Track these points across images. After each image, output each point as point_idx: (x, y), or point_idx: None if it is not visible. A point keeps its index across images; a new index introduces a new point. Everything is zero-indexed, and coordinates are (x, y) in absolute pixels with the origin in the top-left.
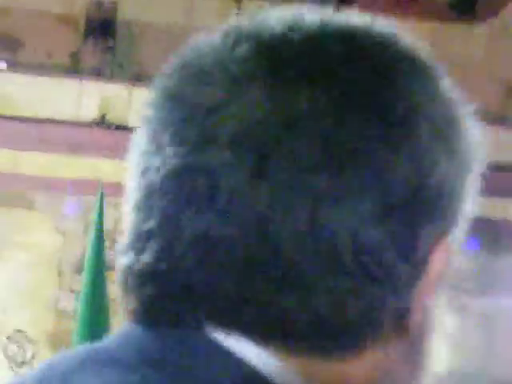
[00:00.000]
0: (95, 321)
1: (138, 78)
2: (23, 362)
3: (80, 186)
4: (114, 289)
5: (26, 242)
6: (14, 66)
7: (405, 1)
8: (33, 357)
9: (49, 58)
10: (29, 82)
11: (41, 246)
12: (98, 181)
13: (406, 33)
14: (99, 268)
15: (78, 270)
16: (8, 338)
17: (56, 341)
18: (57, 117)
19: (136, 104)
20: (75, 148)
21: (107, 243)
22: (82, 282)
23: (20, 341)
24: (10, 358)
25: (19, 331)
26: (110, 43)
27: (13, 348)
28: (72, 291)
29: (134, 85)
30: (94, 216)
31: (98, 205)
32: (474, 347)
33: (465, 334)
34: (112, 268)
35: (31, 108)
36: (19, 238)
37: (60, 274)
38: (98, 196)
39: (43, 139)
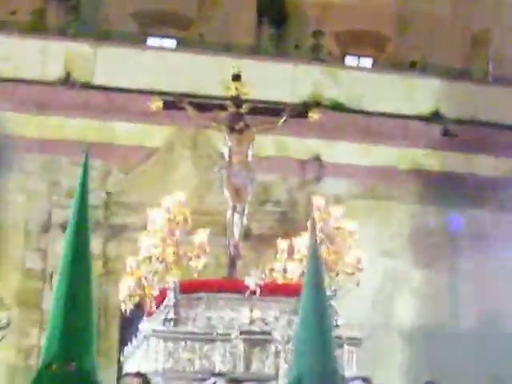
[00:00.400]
0: (77, 282)
1: (104, 36)
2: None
3: (45, 145)
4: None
5: None
6: None
7: None
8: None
9: (12, 16)
10: None
11: (8, 206)
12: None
13: None
14: (84, 230)
15: (45, 229)
16: None
17: (24, 300)
18: (22, 76)
19: (101, 62)
20: (40, 107)
21: (70, 202)
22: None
23: None
24: None
25: None
26: (74, 1)
27: None
28: (39, 250)
29: (98, 43)
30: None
31: (83, 167)
32: (441, 300)
33: (432, 287)
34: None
35: None
36: None
37: (26, 233)
38: (83, 158)
39: (7, 98)
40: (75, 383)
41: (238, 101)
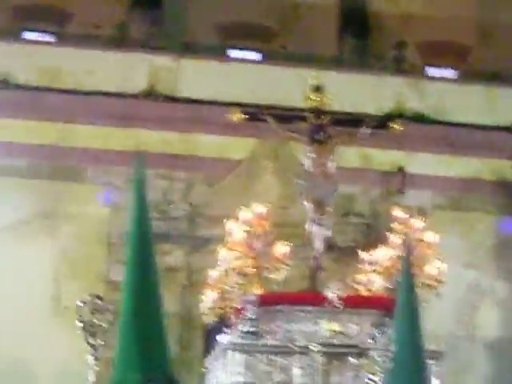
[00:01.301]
0: (142, 291)
1: (187, 49)
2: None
3: (128, 158)
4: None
5: (77, 214)
6: (61, 38)
7: None
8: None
9: (96, 30)
10: (76, 55)
11: (91, 218)
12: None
13: None
14: (145, 239)
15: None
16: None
17: None
18: (105, 89)
19: (184, 75)
20: (124, 120)
21: (155, 214)
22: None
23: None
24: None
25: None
26: (158, 14)
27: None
28: (122, 262)
29: (181, 56)
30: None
31: (137, 176)
32: None
33: None
34: (157, 239)
35: (79, 80)
36: (70, 210)
37: (110, 245)
38: (138, 167)
39: (92, 112)
40: None
41: (318, 112)
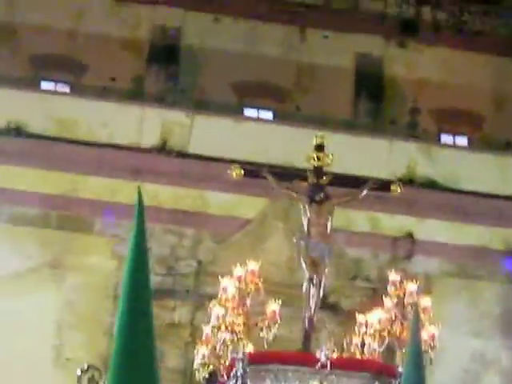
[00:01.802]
0: (138, 347)
1: (201, 105)
2: None
3: None
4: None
5: (84, 265)
6: (77, 89)
7: (468, 33)
8: None
9: (112, 83)
10: (91, 106)
11: (97, 270)
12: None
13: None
14: (140, 293)
15: None
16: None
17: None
18: (118, 141)
19: (197, 131)
20: (135, 173)
21: (161, 269)
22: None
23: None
24: None
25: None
26: (174, 69)
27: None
28: None
29: (196, 112)
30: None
31: (137, 210)
32: None
33: None
34: (162, 295)
35: (93, 132)
36: (77, 261)
37: (115, 298)
38: (137, 199)
39: (104, 164)
40: None
41: (319, 171)
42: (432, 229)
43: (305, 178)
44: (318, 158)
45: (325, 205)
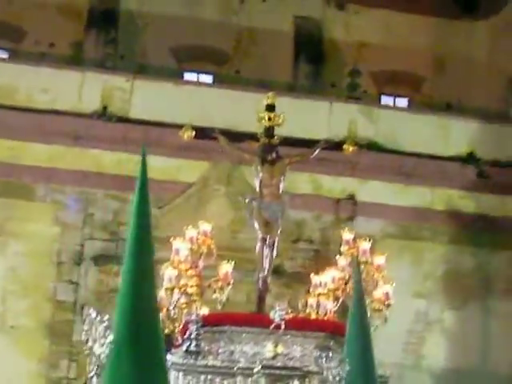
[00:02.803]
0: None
1: (141, 70)
2: None
3: (80, 178)
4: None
5: (26, 232)
6: (16, 55)
7: None
8: None
9: (51, 48)
10: (31, 72)
11: (40, 237)
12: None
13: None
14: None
15: (77, 261)
16: None
17: (54, 332)
18: (58, 107)
19: (138, 96)
20: (76, 139)
21: (104, 235)
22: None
23: None
24: None
25: None
26: (113, 34)
27: None
28: (71, 282)
29: (135, 77)
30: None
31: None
32: (472, 343)
33: (463, 329)
34: (106, 260)
35: (33, 98)
36: (19, 228)
37: (59, 264)
38: (142, 157)
39: (44, 130)
40: None
41: (270, 132)
42: (374, 190)
43: (256, 139)
44: (269, 118)
45: (277, 165)
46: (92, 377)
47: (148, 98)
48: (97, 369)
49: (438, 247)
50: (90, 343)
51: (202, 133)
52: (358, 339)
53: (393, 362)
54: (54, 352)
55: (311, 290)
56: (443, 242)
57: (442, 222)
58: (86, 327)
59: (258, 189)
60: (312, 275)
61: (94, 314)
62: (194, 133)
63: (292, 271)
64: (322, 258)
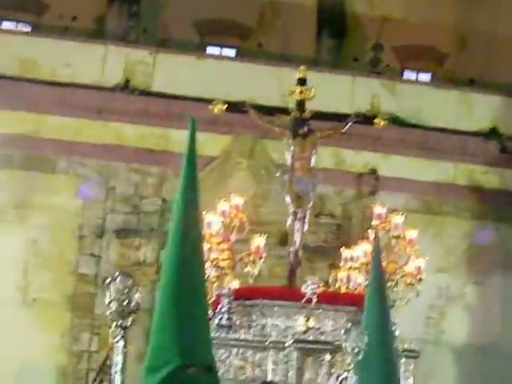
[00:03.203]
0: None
1: (163, 44)
2: None
3: (102, 151)
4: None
5: (48, 205)
6: (38, 29)
7: None
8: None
9: (74, 22)
10: (53, 46)
11: (62, 210)
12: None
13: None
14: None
15: (99, 234)
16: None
17: (76, 305)
18: (80, 81)
19: (160, 69)
20: (98, 113)
21: (126, 208)
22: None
23: None
24: None
25: None
26: (135, 8)
27: None
28: (93, 256)
29: (158, 50)
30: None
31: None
32: (493, 318)
33: (485, 304)
34: (127, 233)
35: (55, 72)
36: (41, 201)
37: (80, 238)
38: (190, 126)
39: (66, 103)
40: None
41: (301, 105)
42: (396, 165)
43: (287, 112)
44: (301, 92)
45: (308, 139)
46: (117, 341)
47: (170, 72)
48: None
49: (460, 222)
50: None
51: (234, 106)
52: (377, 312)
53: (414, 337)
54: (76, 325)
55: (341, 264)
56: (466, 217)
57: (464, 197)
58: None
59: (289, 162)
60: (342, 249)
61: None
62: (225, 106)
63: (314, 245)
64: (344, 233)
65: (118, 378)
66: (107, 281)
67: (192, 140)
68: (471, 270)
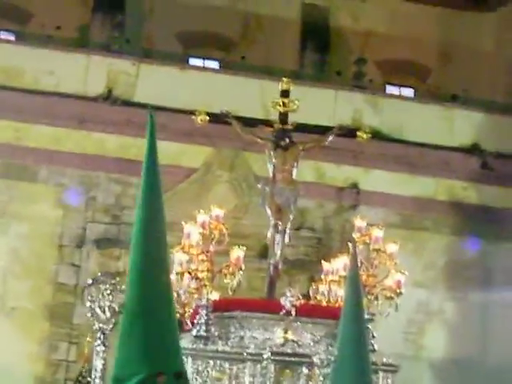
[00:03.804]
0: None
1: (146, 55)
2: None
3: (83, 161)
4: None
5: (28, 213)
6: (22, 37)
7: None
8: None
9: (57, 31)
10: (37, 55)
11: (42, 219)
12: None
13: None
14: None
15: (79, 244)
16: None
17: (55, 314)
18: (63, 90)
19: (143, 80)
20: (80, 122)
21: (106, 218)
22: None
23: None
24: None
25: None
26: (119, 18)
27: None
28: (72, 265)
29: (141, 61)
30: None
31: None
32: (473, 334)
33: (464, 320)
34: (107, 244)
35: (38, 80)
36: (21, 209)
37: (60, 247)
38: (149, 119)
39: (49, 112)
40: None
41: (284, 117)
42: (377, 179)
43: (270, 124)
44: (284, 104)
45: (290, 150)
46: (98, 345)
47: (153, 83)
48: (102, 336)
49: (440, 237)
50: (94, 308)
51: (216, 117)
52: (352, 325)
53: (393, 352)
54: (54, 334)
55: (322, 276)
56: (445, 232)
57: (444, 213)
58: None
59: (271, 174)
60: (323, 262)
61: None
62: (207, 117)
63: (294, 258)
64: (324, 246)
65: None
66: (89, 281)
67: (152, 136)
68: (450, 285)
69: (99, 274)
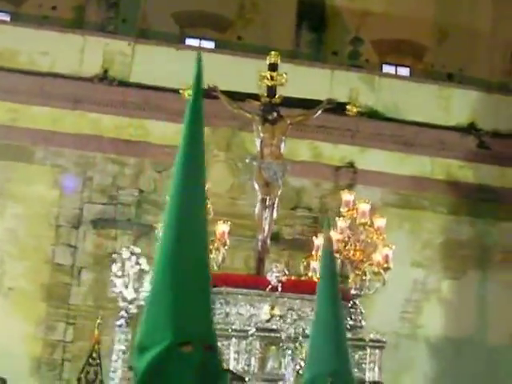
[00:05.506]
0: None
1: (142, 35)
2: None
3: (79, 141)
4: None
5: (25, 194)
6: (17, 18)
7: None
8: None
9: (53, 12)
10: (32, 35)
11: (39, 199)
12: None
13: None
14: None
15: (75, 224)
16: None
17: (52, 294)
18: (59, 71)
19: (139, 60)
20: (76, 103)
21: (103, 198)
22: None
23: None
24: None
25: None
26: None
27: None
28: (69, 246)
29: (137, 41)
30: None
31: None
32: (469, 312)
33: (461, 299)
34: (104, 224)
35: (34, 61)
36: (18, 190)
37: (57, 227)
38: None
39: (45, 93)
40: (216, 368)
41: (272, 91)
42: (374, 159)
43: (257, 98)
44: (272, 77)
45: (278, 124)
46: (121, 325)
47: (149, 63)
48: (127, 316)
49: (436, 217)
50: (118, 288)
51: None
52: (327, 302)
53: (389, 331)
54: (51, 315)
55: (313, 253)
56: (442, 211)
57: (441, 192)
58: (115, 269)
59: (258, 148)
60: (314, 238)
61: (126, 255)
62: None
63: (290, 238)
64: (321, 226)
65: (118, 365)
66: (114, 255)
67: (198, 77)
68: (447, 264)
69: (123, 249)
